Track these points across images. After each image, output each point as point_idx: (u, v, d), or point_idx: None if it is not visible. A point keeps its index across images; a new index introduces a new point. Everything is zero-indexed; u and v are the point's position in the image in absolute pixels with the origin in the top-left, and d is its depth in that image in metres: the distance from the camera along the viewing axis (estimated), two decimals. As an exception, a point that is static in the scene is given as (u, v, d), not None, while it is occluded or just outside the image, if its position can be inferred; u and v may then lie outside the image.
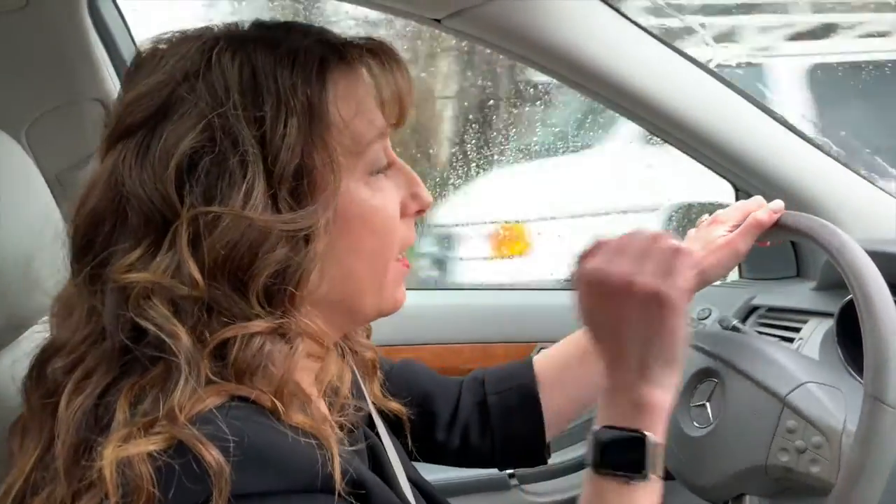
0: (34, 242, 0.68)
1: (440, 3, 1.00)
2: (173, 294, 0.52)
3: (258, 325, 0.53)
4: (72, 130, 1.05)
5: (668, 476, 0.94)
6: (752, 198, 0.88)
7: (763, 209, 0.84)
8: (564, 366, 0.90)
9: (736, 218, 0.86)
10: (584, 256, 0.61)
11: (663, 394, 0.59)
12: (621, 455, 0.58)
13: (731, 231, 0.85)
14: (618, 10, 1.08)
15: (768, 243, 0.88)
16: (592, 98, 1.17)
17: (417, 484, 0.75)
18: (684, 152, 1.22)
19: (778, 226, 0.84)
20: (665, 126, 1.16)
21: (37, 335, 0.61)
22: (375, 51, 0.62)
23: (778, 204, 0.84)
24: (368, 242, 0.61)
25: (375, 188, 0.62)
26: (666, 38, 1.14)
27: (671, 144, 1.22)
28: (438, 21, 1.04)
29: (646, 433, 0.57)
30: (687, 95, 1.14)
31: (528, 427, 0.88)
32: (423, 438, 0.86)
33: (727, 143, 1.17)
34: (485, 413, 0.89)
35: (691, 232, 0.90)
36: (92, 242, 0.56)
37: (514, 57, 1.10)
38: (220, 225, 0.52)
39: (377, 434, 0.73)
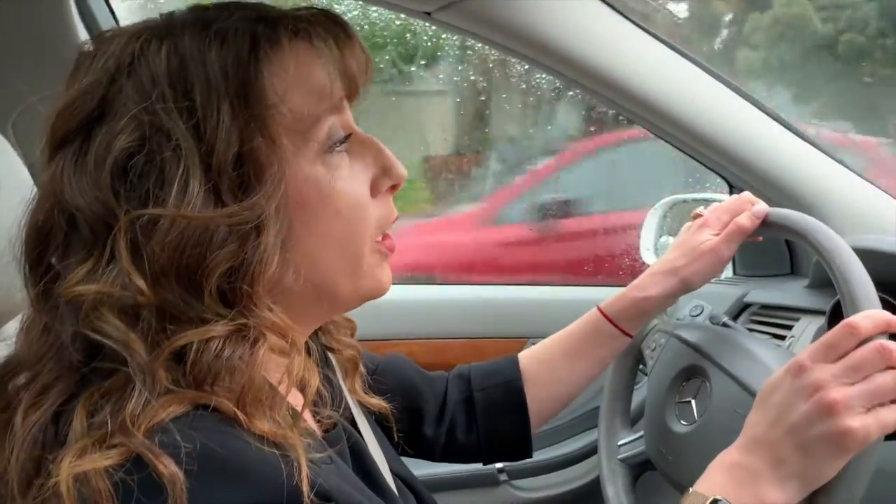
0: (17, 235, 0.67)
1: (430, -5, 0.99)
2: (123, 304, 0.49)
3: (215, 328, 0.50)
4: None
5: (652, 468, 0.95)
6: (740, 196, 0.87)
7: (745, 214, 0.83)
8: (550, 363, 0.90)
9: (723, 221, 0.85)
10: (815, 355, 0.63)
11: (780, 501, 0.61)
12: None
13: (717, 234, 0.85)
14: (608, 3, 1.07)
15: (760, 238, 0.87)
16: (583, 91, 1.16)
17: (404, 479, 0.75)
18: (677, 147, 1.22)
19: (766, 224, 0.83)
20: (657, 121, 1.15)
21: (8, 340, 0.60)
22: (316, 21, 0.58)
23: (761, 207, 0.84)
24: (335, 226, 0.58)
25: (333, 167, 0.58)
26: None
27: (663, 139, 1.21)
28: (429, 14, 1.03)
29: None
30: (679, 90, 1.13)
31: (513, 423, 0.88)
32: (411, 433, 0.86)
33: (720, 138, 1.16)
34: (471, 409, 0.89)
35: (679, 234, 0.90)
36: (42, 257, 0.54)
37: (504, 50, 1.09)
38: (158, 227, 0.50)
39: (359, 431, 0.72)
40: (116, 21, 1.22)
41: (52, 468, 0.46)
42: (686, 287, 0.85)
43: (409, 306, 1.47)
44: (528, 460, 1.41)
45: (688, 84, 1.14)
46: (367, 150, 0.62)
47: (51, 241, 0.53)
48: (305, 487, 0.47)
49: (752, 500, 0.61)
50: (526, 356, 0.92)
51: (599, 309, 0.89)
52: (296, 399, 0.58)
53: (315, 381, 0.56)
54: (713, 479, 0.64)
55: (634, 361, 1.01)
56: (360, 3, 1.03)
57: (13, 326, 0.70)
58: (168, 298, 0.50)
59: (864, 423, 0.59)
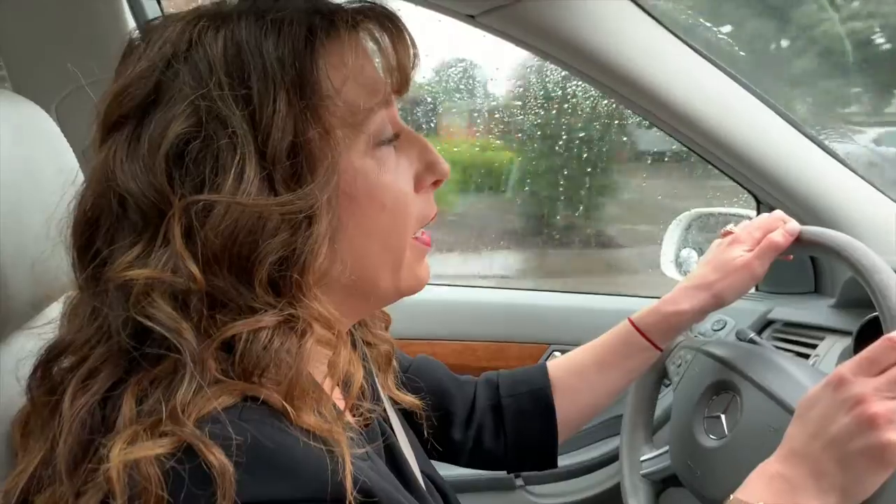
0: (64, 216, 0.68)
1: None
2: (174, 289, 0.49)
3: (265, 318, 0.50)
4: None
5: (677, 483, 0.95)
6: (771, 214, 0.88)
7: (778, 231, 0.84)
8: (580, 372, 0.90)
9: (755, 238, 0.85)
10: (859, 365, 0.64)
11: None
12: None
13: (749, 251, 0.85)
14: (651, 15, 1.07)
15: (791, 256, 0.87)
16: (619, 102, 1.16)
17: (431, 478, 0.75)
18: (708, 161, 1.22)
19: (800, 242, 0.84)
20: (692, 134, 1.15)
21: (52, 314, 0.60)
22: (371, 15, 0.58)
23: (794, 225, 0.84)
24: (380, 220, 0.58)
25: (382, 161, 0.58)
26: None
27: (695, 153, 1.21)
28: (473, 17, 1.04)
29: None
30: (716, 105, 1.13)
31: (541, 431, 0.88)
32: (439, 436, 0.85)
33: (751, 154, 1.16)
34: (499, 415, 0.89)
35: (710, 250, 0.90)
36: (91, 241, 0.53)
37: (547, 57, 1.10)
38: (213, 213, 0.49)
39: (392, 429, 0.72)
40: (161, 8, 1.22)
41: (103, 453, 0.46)
42: (718, 303, 0.86)
43: (432, 306, 1.47)
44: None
45: (723, 98, 1.15)
46: (412, 146, 0.62)
47: (101, 224, 0.53)
48: (349, 484, 0.47)
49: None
50: (555, 365, 0.92)
51: (631, 321, 0.89)
52: (335, 394, 0.58)
53: (359, 375, 0.56)
54: (753, 489, 0.64)
55: (658, 377, 1.02)
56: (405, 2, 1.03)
57: (56, 309, 0.70)
58: (219, 285, 0.50)
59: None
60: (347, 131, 0.56)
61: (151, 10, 1.18)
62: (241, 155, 0.50)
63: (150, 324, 0.49)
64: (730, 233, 0.89)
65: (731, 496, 0.64)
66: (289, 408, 0.49)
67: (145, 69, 0.53)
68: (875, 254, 0.75)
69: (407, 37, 0.60)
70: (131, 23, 1.10)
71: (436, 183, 0.64)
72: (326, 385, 0.54)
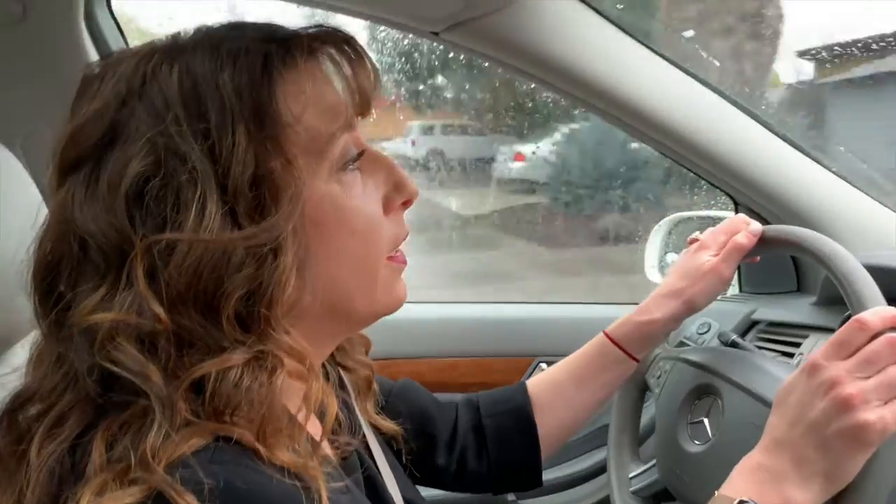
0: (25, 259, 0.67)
1: (437, 16, 1.00)
2: (140, 332, 0.48)
3: (234, 356, 0.49)
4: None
5: (668, 497, 0.94)
6: (732, 218, 0.89)
7: (741, 233, 0.85)
8: (558, 388, 0.89)
9: (720, 242, 0.86)
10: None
11: (805, 500, 0.61)
12: None
13: (716, 255, 0.86)
14: (617, 25, 1.08)
15: (757, 258, 0.88)
16: (590, 111, 1.17)
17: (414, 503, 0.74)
18: (683, 166, 1.22)
19: (764, 241, 0.85)
20: (664, 140, 1.16)
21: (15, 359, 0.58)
22: (328, 40, 0.58)
23: (756, 226, 0.85)
24: (350, 245, 0.58)
25: (348, 186, 0.58)
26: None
27: (671, 158, 1.21)
28: (436, 34, 1.04)
29: None
30: (686, 109, 1.14)
31: (523, 449, 0.88)
32: (422, 461, 0.84)
33: (726, 156, 1.16)
34: (481, 436, 0.88)
35: (678, 257, 0.90)
36: (53, 286, 0.52)
37: (513, 70, 1.10)
38: (175, 252, 0.49)
39: (372, 457, 0.71)
40: (126, 43, 1.22)
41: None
42: (690, 309, 0.86)
43: (415, 325, 1.46)
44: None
45: (693, 102, 1.15)
46: (378, 168, 0.61)
47: (62, 268, 0.52)
48: None
49: (777, 500, 0.61)
50: (533, 383, 0.91)
51: (606, 333, 0.89)
52: (312, 424, 0.57)
53: (334, 407, 0.55)
54: (737, 483, 0.64)
55: (640, 393, 1.01)
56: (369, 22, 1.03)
57: (20, 356, 0.69)
58: (186, 325, 0.49)
59: (881, 415, 0.60)
60: (310, 159, 0.55)
61: (115, 45, 1.18)
62: (202, 191, 0.50)
63: (115, 369, 0.48)
64: (696, 240, 0.89)
65: (716, 493, 0.64)
66: (261, 447, 0.48)
67: (100, 108, 0.52)
68: (834, 242, 0.76)
69: (366, 59, 0.59)
70: (94, 56, 1.10)
71: (405, 203, 0.63)
72: (301, 416, 0.53)
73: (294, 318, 0.55)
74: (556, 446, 0.90)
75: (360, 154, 0.60)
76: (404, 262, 0.64)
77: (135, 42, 1.21)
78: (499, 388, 0.92)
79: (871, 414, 0.60)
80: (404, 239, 0.64)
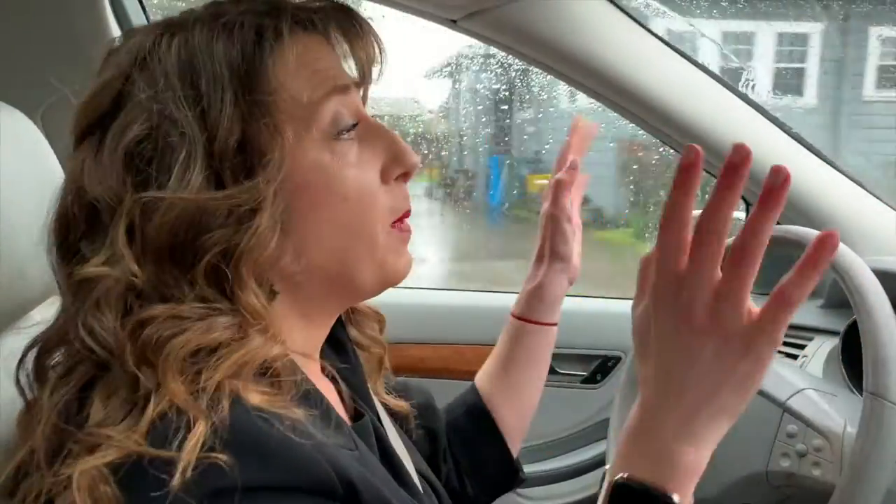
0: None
1: (456, 4, 1.01)
2: (119, 288, 0.51)
3: (182, 308, 0.51)
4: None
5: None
6: (558, 159, 0.89)
7: (562, 171, 0.86)
8: (497, 379, 0.89)
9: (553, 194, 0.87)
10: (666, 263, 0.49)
11: (701, 452, 0.50)
12: None
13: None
14: (633, 18, 1.08)
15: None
16: (603, 103, 1.17)
17: (427, 479, 0.74)
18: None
19: (771, 241, 0.84)
20: (677, 136, 1.16)
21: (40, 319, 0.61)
22: (322, 11, 0.60)
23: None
24: (341, 212, 0.58)
25: (341, 154, 0.59)
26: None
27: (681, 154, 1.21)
28: (454, 22, 1.05)
29: (674, 498, 0.49)
30: (699, 105, 1.14)
31: (490, 445, 0.88)
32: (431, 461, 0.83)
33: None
34: (451, 450, 0.87)
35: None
36: (69, 244, 0.55)
37: (529, 60, 1.10)
38: (157, 210, 0.51)
39: (384, 428, 0.71)
40: (147, 18, 1.23)
41: (71, 454, 0.47)
42: (559, 258, 0.88)
43: (422, 310, 1.47)
44: (537, 469, 1.43)
45: (706, 98, 1.15)
46: (377, 138, 0.62)
47: (75, 229, 0.55)
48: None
49: (659, 463, 0.51)
50: (479, 377, 0.91)
51: (512, 314, 0.90)
52: (327, 389, 0.61)
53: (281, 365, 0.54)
54: (621, 459, 0.55)
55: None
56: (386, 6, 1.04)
57: (37, 317, 0.71)
58: (159, 281, 0.51)
59: None
60: (297, 125, 0.56)
61: (136, 18, 1.19)
62: (188, 152, 0.52)
63: (97, 327, 0.50)
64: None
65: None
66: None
67: (109, 79, 0.55)
68: (845, 246, 0.76)
69: (366, 30, 0.61)
70: (116, 30, 1.11)
71: (405, 175, 0.63)
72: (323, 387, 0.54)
73: (283, 282, 0.57)
74: (521, 432, 0.90)
75: (355, 124, 0.60)
76: (409, 231, 0.64)
77: (156, 17, 1.22)
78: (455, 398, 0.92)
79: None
80: (406, 212, 0.64)
